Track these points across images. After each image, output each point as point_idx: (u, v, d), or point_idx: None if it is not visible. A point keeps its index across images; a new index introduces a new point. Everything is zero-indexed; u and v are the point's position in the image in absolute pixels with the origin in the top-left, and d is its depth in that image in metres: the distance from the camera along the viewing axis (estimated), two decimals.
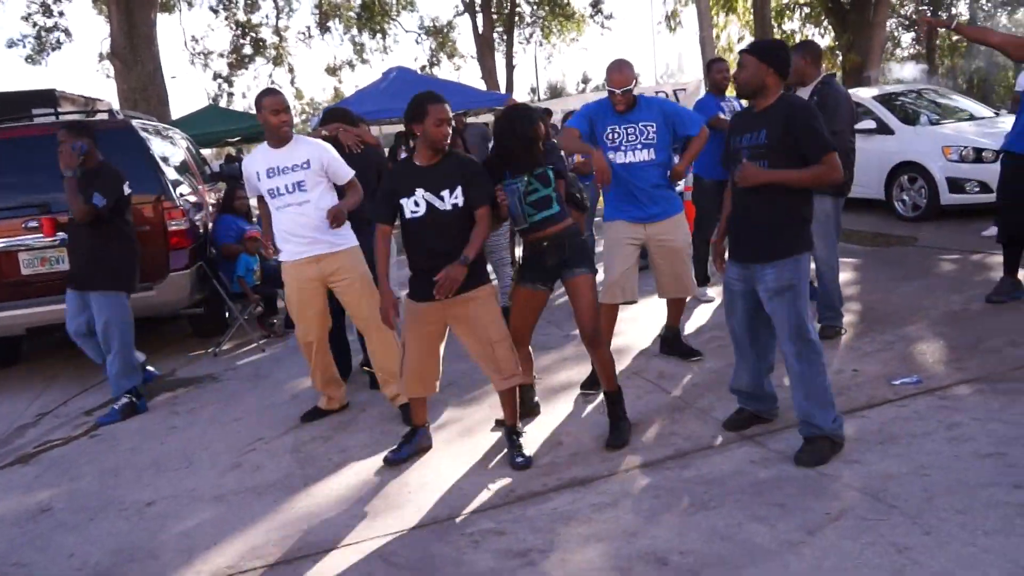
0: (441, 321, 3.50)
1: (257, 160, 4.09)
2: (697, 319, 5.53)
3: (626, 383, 4.22)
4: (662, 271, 4.38)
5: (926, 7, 25.00)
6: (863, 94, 9.59)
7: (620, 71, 4.08)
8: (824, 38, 21.75)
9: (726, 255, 3.46)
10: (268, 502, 3.38)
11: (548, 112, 8.72)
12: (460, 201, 3.35)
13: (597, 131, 4.19)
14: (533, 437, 3.70)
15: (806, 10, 21.18)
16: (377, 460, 3.67)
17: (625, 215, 4.24)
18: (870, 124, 8.62)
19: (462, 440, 3.83)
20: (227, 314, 6.48)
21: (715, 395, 3.95)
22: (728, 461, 3.23)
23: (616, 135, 4.16)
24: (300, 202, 3.99)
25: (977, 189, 7.62)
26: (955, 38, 27.14)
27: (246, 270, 6.16)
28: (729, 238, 3.38)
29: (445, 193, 3.35)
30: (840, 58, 17.95)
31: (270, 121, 3.95)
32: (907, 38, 28.69)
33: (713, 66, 6.00)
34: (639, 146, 4.15)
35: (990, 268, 5.80)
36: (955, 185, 7.79)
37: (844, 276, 6.19)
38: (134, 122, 5.88)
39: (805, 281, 3.15)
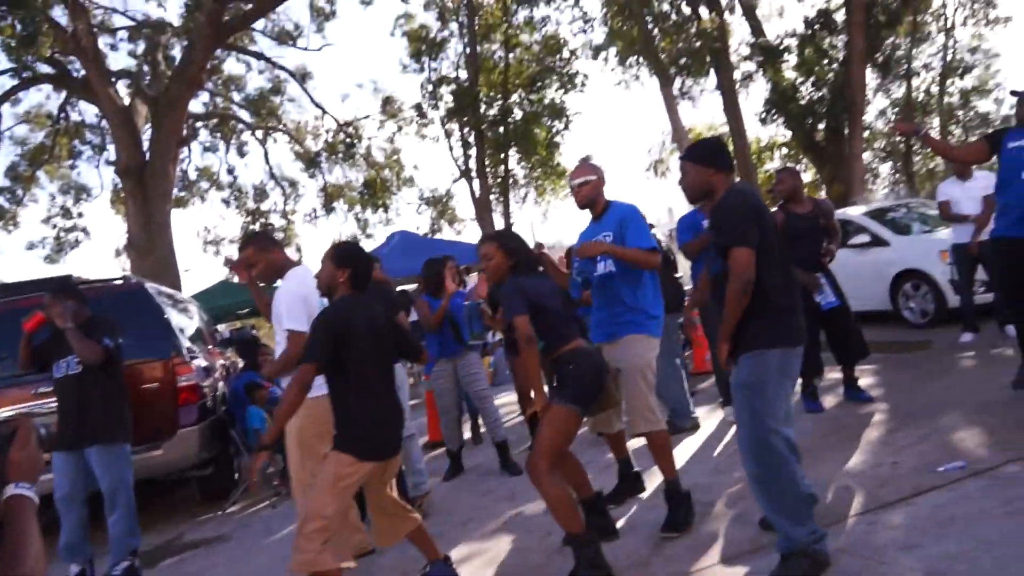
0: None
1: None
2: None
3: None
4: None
5: (900, 141, 26.18)
6: (852, 212, 9.82)
7: (577, 167, 4.07)
8: (806, 174, 22.69)
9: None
10: None
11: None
12: None
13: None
14: None
15: (784, 150, 22.22)
16: None
17: (596, 335, 3.94)
18: (864, 239, 8.77)
19: (488, 570, 3.58)
20: (235, 474, 6.30)
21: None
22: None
23: None
24: None
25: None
26: (931, 165, 28.34)
27: (260, 421, 6.06)
28: None
29: None
30: (824, 191, 18.59)
31: None
32: (885, 168, 29.86)
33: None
34: (598, 257, 3.82)
35: (1011, 360, 5.66)
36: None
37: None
38: (147, 285, 6.01)
39: (767, 378, 2.78)
